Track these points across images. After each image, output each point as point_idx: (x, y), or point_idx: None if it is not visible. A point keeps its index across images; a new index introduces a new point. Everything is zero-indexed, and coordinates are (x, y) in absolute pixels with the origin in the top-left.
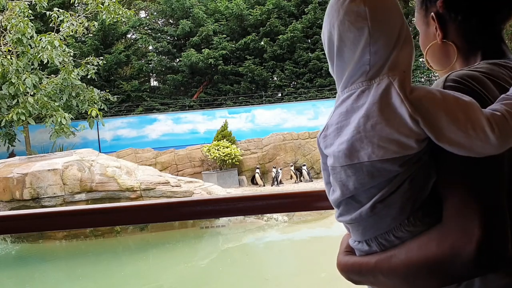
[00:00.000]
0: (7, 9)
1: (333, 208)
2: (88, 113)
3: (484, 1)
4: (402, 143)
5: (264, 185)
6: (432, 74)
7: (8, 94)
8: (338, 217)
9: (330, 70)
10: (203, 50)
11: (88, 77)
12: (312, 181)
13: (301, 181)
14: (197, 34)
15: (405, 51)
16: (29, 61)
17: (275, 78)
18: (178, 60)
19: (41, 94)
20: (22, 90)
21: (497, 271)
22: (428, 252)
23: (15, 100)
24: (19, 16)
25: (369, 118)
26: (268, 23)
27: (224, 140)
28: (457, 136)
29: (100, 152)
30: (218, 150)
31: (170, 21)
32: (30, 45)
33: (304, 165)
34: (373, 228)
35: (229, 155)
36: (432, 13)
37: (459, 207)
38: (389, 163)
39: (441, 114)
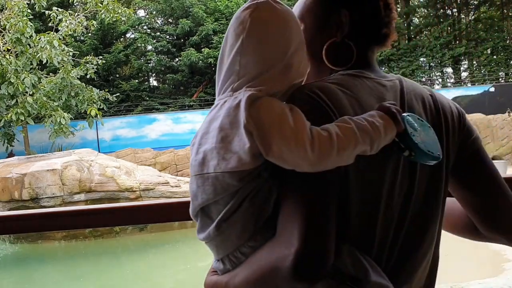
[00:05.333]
0: (6, 8)
1: None
2: (87, 113)
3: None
4: (240, 157)
5: None
6: (433, 73)
7: (7, 94)
8: (197, 234)
9: None
10: (202, 49)
11: (87, 76)
12: None
13: None
14: (197, 34)
15: (282, 77)
16: (28, 61)
17: None
18: (177, 59)
19: (40, 94)
20: (21, 89)
21: (317, 282)
22: (259, 268)
23: (14, 100)
24: (18, 15)
25: (221, 130)
26: None
27: None
28: (281, 151)
29: (99, 152)
30: None
31: (170, 20)
32: (29, 44)
33: None
34: (223, 247)
35: None
36: (344, 12)
37: (286, 220)
38: (229, 177)
39: (273, 129)
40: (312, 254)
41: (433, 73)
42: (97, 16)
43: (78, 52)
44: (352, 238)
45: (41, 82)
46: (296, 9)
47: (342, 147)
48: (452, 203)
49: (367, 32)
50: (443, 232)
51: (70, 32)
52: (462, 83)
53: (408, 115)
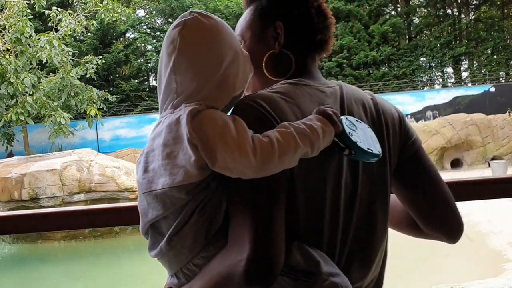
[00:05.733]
0: (6, 8)
1: None
2: (87, 113)
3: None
4: (186, 170)
5: None
6: (434, 73)
7: (6, 93)
8: (148, 251)
9: None
10: None
11: (87, 76)
12: None
13: None
14: None
15: (220, 90)
16: (27, 61)
17: None
18: None
19: (39, 93)
20: (20, 89)
21: (270, 285)
22: (212, 277)
23: (14, 100)
24: (18, 15)
25: (165, 146)
26: None
27: None
28: (226, 161)
29: (99, 152)
30: None
31: (170, 20)
32: (28, 44)
33: None
34: (175, 262)
35: None
36: (279, 23)
37: (235, 227)
38: (176, 191)
39: (216, 140)
40: (263, 258)
41: (434, 73)
42: (96, 15)
43: (78, 52)
44: (302, 237)
45: (40, 82)
46: (237, 28)
47: (283, 151)
48: (393, 201)
49: (302, 40)
50: None
51: (69, 32)
52: (463, 83)
53: (346, 117)
